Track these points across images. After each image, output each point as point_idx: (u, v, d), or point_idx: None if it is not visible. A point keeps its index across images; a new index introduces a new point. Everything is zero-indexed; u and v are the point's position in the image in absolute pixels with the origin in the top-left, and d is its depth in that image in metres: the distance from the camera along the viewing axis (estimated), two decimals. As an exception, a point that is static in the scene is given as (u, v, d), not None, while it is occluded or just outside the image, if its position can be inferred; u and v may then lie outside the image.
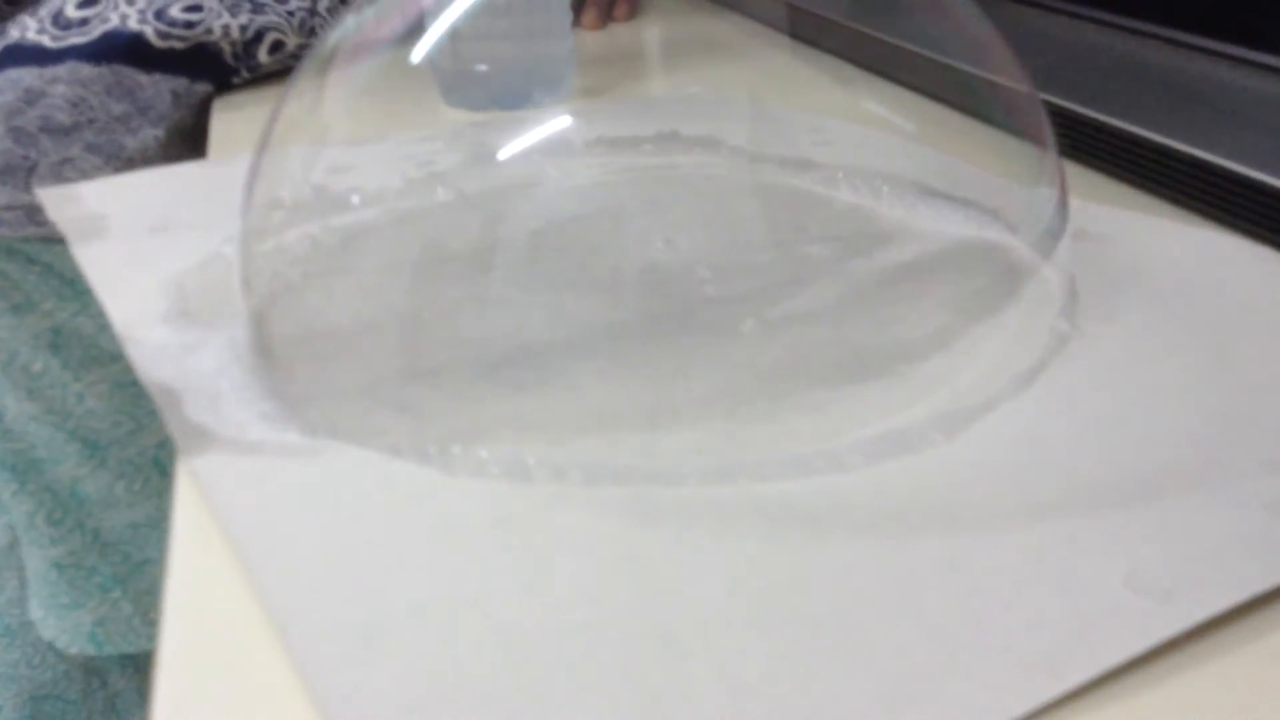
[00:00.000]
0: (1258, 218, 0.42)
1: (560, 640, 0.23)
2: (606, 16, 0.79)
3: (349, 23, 0.40)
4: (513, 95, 0.58)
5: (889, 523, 0.27)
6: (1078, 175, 0.49)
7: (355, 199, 0.46)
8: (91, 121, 0.60)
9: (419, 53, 0.43)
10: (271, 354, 0.35)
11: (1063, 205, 0.39)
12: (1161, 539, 0.26)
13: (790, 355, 0.35)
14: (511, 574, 0.26)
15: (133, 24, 0.62)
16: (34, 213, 0.60)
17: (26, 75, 0.60)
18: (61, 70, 0.60)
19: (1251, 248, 0.41)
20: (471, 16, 0.56)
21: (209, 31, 0.63)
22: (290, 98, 0.39)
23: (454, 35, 0.57)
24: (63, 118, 0.60)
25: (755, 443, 0.30)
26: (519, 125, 0.41)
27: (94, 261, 0.42)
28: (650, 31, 0.81)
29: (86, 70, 0.60)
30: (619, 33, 0.79)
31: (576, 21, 0.70)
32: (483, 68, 0.57)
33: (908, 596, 0.24)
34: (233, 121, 0.62)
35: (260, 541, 0.27)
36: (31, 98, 0.59)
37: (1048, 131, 0.39)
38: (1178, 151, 0.45)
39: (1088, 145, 0.49)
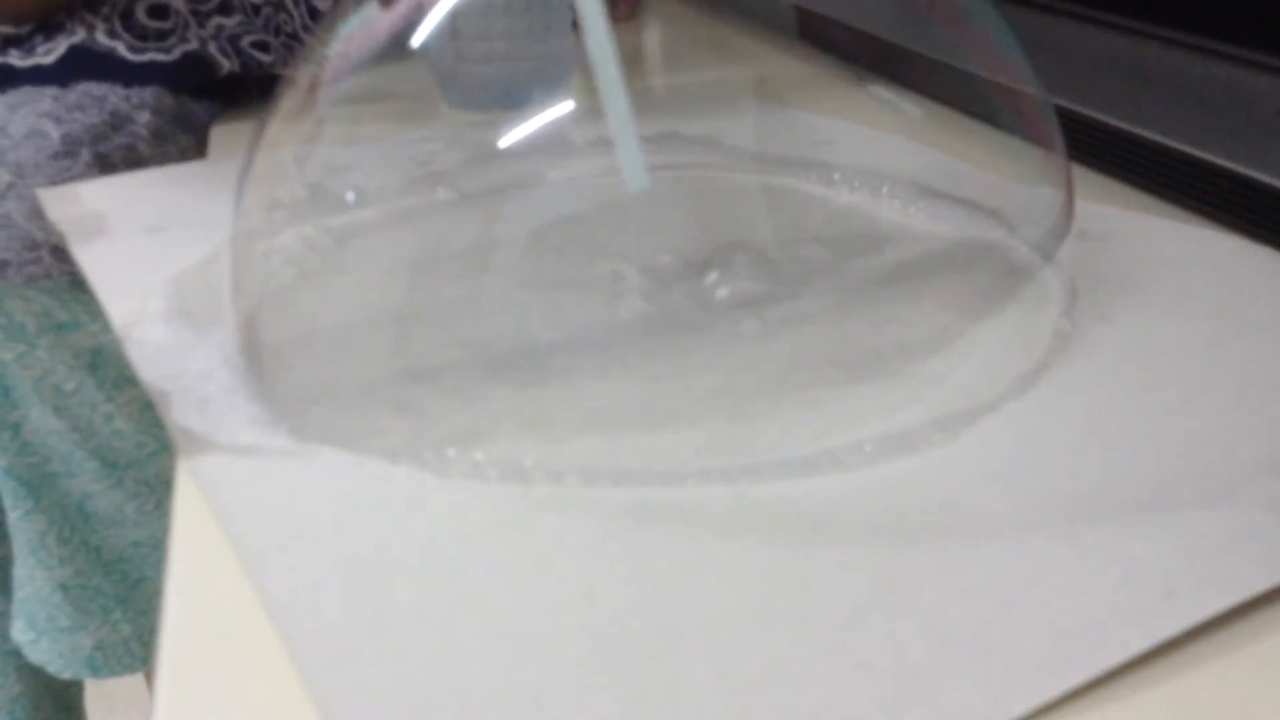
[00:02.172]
0: (1258, 218, 0.42)
1: (560, 640, 0.23)
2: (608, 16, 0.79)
3: (347, 21, 0.40)
4: (513, 95, 0.58)
5: (889, 523, 0.27)
6: (1078, 175, 0.48)
7: (350, 196, 0.45)
8: (164, 154, 0.59)
9: (420, 52, 0.43)
10: (264, 356, 0.35)
11: (1068, 207, 0.39)
12: (1161, 539, 0.26)
13: (790, 355, 0.35)
14: (511, 574, 0.26)
15: (214, 52, 0.60)
16: None
17: (111, 94, 0.57)
18: (147, 95, 0.58)
19: (1251, 248, 0.41)
20: (472, 16, 0.56)
21: (273, 66, 0.63)
22: (286, 97, 0.39)
23: (454, 35, 0.57)
24: (144, 150, 0.58)
25: (755, 443, 0.30)
26: (519, 125, 0.41)
27: (94, 261, 0.42)
28: (650, 31, 0.81)
29: (168, 100, 0.59)
30: (619, 33, 0.79)
31: (576, 21, 0.70)
32: (483, 68, 0.57)
33: (908, 596, 0.24)
34: (232, 122, 0.62)
35: (260, 542, 0.27)
36: (117, 122, 0.57)
37: (1055, 134, 0.39)
38: (1178, 151, 0.45)
39: (1088, 145, 0.49)
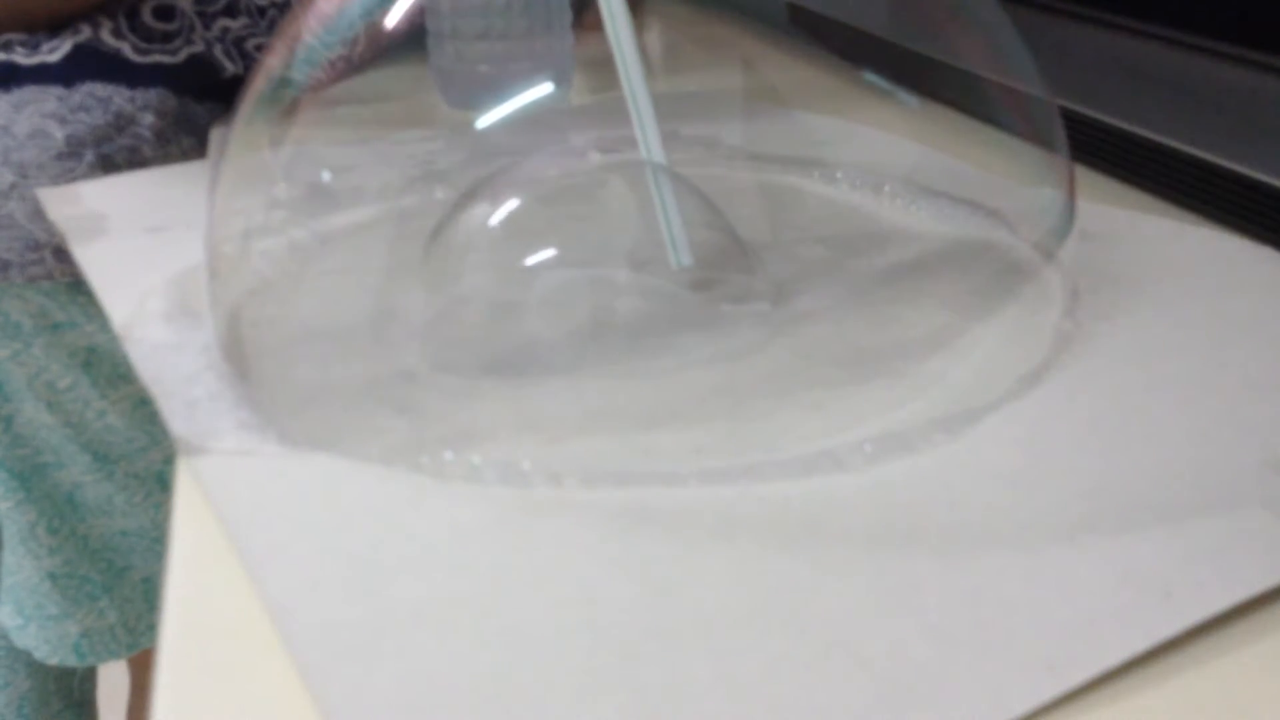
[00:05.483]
0: (1258, 218, 0.42)
1: (560, 640, 0.23)
2: (607, 16, 0.79)
3: (337, 17, 0.40)
4: (513, 95, 0.58)
5: (889, 523, 0.27)
6: (1079, 175, 0.49)
7: (347, 196, 0.45)
8: (167, 156, 0.59)
9: (413, 46, 0.43)
10: (252, 359, 0.35)
11: (1070, 207, 0.39)
12: (1161, 538, 0.26)
13: (790, 355, 0.35)
14: (511, 575, 0.26)
15: (219, 54, 0.60)
16: None
17: (116, 96, 0.57)
18: (152, 96, 0.58)
19: (1252, 248, 0.41)
20: (471, 16, 0.56)
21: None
22: (264, 83, 0.38)
23: (454, 35, 0.57)
24: (148, 151, 0.58)
25: (755, 443, 0.30)
26: (519, 125, 0.41)
27: (94, 261, 0.42)
28: (650, 31, 0.80)
29: (172, 102, 0.58)
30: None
31: (576, 21, 0.70)
32: (483, 68, 0.57)
33: (908, 596, 0.24)
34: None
35: (260, 542, 0.27)
36: (121, 124, 0.57)
37: (1059, 134, 0.39)
38: (1178, 152, 0.45)
39: (1089, 145, 0.49)
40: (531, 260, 0.38)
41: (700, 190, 0.40)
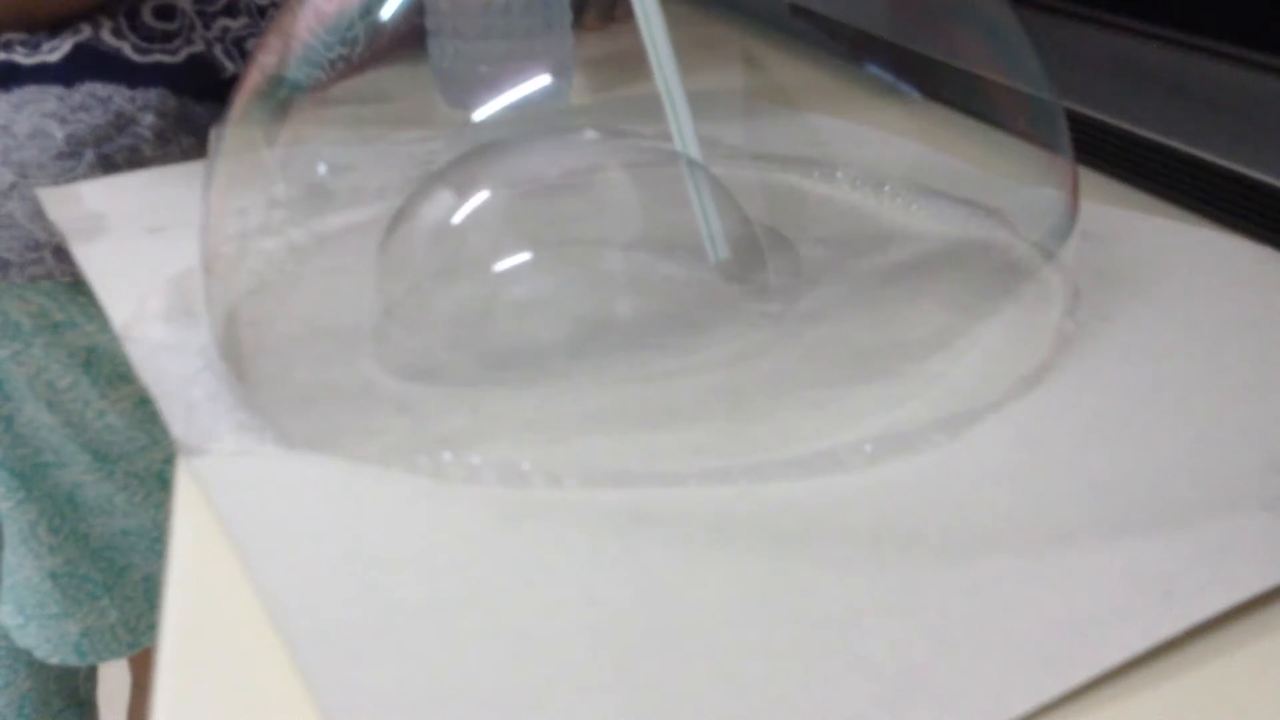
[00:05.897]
0: (1258, 218, 0.42)
1: (560, 640, 0.23)
2: (608, 16, 0.79)
3: (337, 17, 0.40)
4: (512, 95, 0.58)
5: (889, 523, 0.27)
6: (1080, 175, 0.49)
7: (347, 196, 0.45)
8: (167, 155, 0.59)
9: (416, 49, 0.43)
10: (249, 359, 0.35)
11: (1071, 207, 0.39)
12: (1161, 539, 0.26)
13: (790, 354, 0.35)
14: (511, 575, 0.26)
15: (219, 54, 0.61)
16: None
17: (117, 96, 0.57)
18: (152, 96, 0.58)
19: (1252, 248, 0.41)
20: (471, 16, 0.56)
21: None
22: (259, 77, 0.38)
23: (454, 35, 0.57)
24: (148, 151, 0.58)
25: (755, 443, 0.30)
26: (518, 125, 0.41)
27: (93, 261, 0.42)
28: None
29: (172, 102, 0.59)
30: (619, 33, 0.79)
31: (577, 21, 0.70)
32: (483, 68, 0.57)
33: (908, 596, 0.24)
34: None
35: (260, 542, 0.27)
36: (122, 123, 0.57)
37: (1064, 136, 0.39)
38: (1178, 152, 0.45)
39: (1090, 145, 0.49)
40: (530, 260, 0.38)
41: (726, 187, 0.39)
